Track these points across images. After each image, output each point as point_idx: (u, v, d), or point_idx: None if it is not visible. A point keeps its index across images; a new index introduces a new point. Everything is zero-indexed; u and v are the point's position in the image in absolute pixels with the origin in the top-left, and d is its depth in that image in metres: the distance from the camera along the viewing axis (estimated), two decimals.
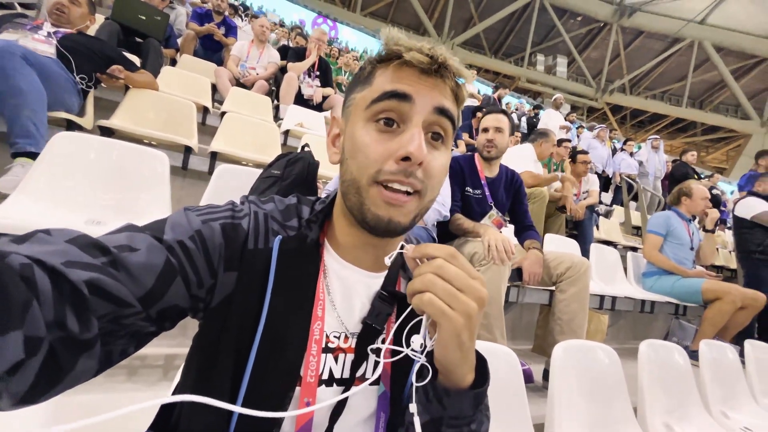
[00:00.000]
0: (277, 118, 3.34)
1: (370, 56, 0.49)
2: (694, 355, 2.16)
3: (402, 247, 0.42)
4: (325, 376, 0.45)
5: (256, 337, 0.42)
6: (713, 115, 13.90)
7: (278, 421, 0.42)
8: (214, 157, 2.11)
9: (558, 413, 1.07)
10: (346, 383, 0.46)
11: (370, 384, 0.43)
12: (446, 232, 1.68)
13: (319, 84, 3.61)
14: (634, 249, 3.76)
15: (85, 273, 0.32)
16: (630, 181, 5.35)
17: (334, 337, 0.47)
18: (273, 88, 3.79)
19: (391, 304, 0.49)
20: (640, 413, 1.32)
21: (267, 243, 0.46)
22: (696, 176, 4.90)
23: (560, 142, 3.27)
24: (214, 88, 3.28)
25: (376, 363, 0.47)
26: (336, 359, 0.46)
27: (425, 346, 0.40)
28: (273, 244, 0.46)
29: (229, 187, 1.55)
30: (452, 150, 0.63)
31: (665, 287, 2.59)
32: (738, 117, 13.68)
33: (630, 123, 15.96)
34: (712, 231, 2.80)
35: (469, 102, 5.55)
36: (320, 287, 0.47)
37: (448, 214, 1.61)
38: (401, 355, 0.40)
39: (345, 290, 0.49)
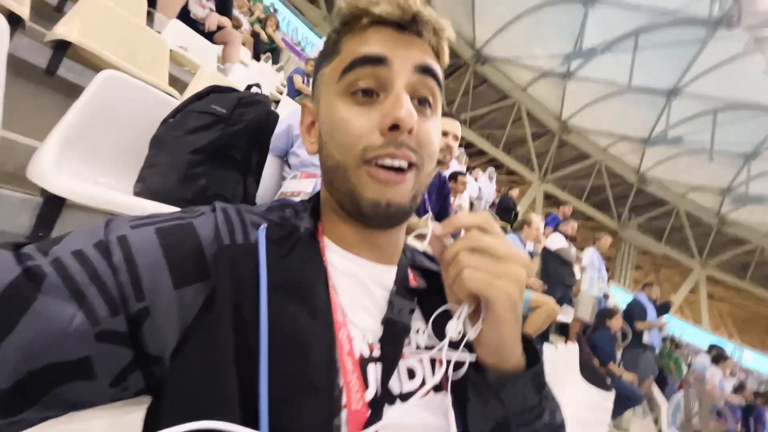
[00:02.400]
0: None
1: (335, 25, 0.42)
2: None
3: (429, 229, 0.37)
4: (369, 397, 0.35)
5: (261, 353, 0.30)
6: (515, 161, 18.27)
7: None
8: (62, 51, 1.37)
9: None
10: (388, 400, 0.36)
11: (435, 392, 0.38)
12: None
13: (214, 8, 2.87)
14: None
15: None
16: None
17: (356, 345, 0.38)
18: None
19: (411, 299, 0.42)
20: None
21: (247, 237, 0.36)
22: (515, 207, 6.28)
23: (456, 175, 3.61)
24: None
25: (440, 362, 0.39)
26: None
27: (464, 333, 0.35)
28: (255, 238, 0.36)
29: (107, 107, 1.00)
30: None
31: None
32: (528, 168, 18.41)
33: (466, 152, 19.36)
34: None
35: None
36: (331, 285, 0.38)
37: None
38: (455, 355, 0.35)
39: (355, 287, 0.40)
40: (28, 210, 0.82)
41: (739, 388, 6.61)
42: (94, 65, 1.49)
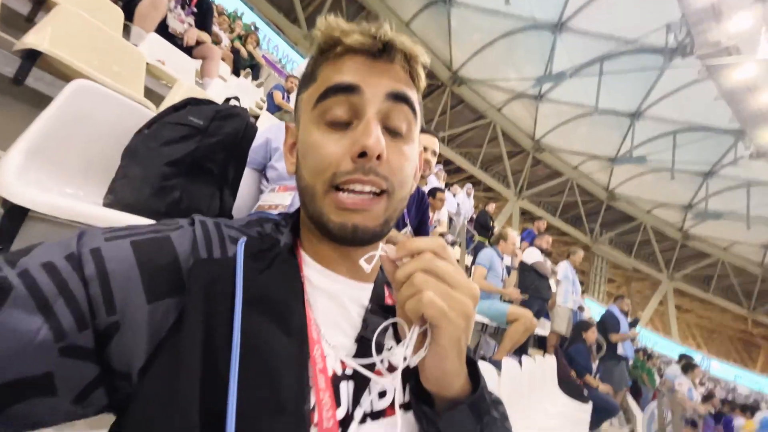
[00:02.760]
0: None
1: (313, 52, 0.44)
2: (497, 364, 2.72)
3: (380, 250, 0.37)
4: (341, 416, 0.35)
5: (231, 372, 0.29)
6: (492, 179, 18.79)
7: None
8: (31, 61, 1.33)
9: None
10: (359, 419, 0.36)
11: (405, 411, 0.39)
12: None
13: (193, 23, 2.86)
14: None
15: None
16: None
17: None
18: (121, 3, 2.76)
19: (385, 317, 0.42)
20: None
21: (225, 251, 0.36)
22: (492, 223, 6.41)
23: (434, 192, 3.67)
24: None
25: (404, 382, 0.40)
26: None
27: (409, 356, 0.34)
28: (234, 252, 0.36)
29: (77, 117, 0.98)
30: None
31: (481, 309, 3.22)
32: (504, 185, 18.95)
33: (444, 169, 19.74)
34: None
35: None
36: (307, 302, 0.38)
37: None
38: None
39: (331, 304, 0.41)
40: None
41: (708, 397, 6.83)
42: (66, 76, 1.45)
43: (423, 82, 0.44)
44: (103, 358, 0.30)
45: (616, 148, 16.74)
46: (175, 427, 0.27)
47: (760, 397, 16.63)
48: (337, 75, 0.39)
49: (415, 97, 0.42)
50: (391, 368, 0.42)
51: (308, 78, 0.43)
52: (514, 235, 3.54)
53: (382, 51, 0.40)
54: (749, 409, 6.07)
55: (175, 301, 0.32)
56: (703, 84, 12.30)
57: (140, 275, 0.31)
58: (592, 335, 3.98)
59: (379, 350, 0.41)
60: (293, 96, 3.60)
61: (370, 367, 0.37)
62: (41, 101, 1.38)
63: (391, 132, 0.40)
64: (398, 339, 0.43)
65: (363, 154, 0.37)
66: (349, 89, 0.38)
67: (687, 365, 5.73)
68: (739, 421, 5.61)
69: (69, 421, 0.30)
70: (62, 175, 0.97)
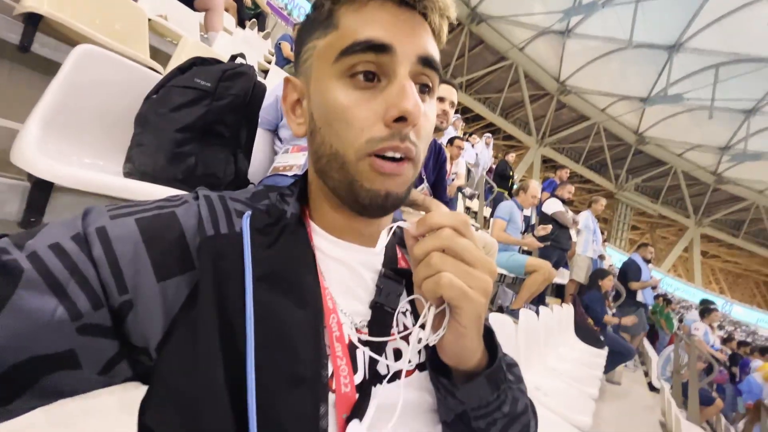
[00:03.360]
0: None
1: None
2: (514, 313, 2.79)
3: (393, 227, 0.36)
4: (358, 380, 0.36)
5: (248, 346, 0.30)
6: (512, 126, 17.99)
7: None
8: (34, 25, 1.30)
9: None
10: (375, 382, 0.37)
11: (420, 371, 0.40)
12: None
13: None
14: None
15: None
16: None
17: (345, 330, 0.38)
18: None
19: (399, 282, 0.42)
20: None
21: (231, 226, 0.35)
22: (512, 173, 6.24)
23: (452, 140, 3.55)
24: None
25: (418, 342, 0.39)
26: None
27: (429, 336, 0.34)
28: (240, 226, 0.35)
29: (86, 84, 0.96)
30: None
31: (500, 261, 3.25)
32: (525, 132, 18.14)
33: (462, 118, 18.97)
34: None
35: None
36: (319, 271, 0.38)
37: None
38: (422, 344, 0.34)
39: (344, 272, 0.41)
40: (17, 195, 0.81)
41: (727, 340, 6.90)
42: (70, 39, 1.42)
43: (445, 38, 0.41)
44: (121, 334, 0.30)
45: (649, 86, 15.50)
46: (204, 389, 0.29)
47: None
48: (365, 27, 0.36)
49: (438, 56, 0.40)
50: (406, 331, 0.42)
51: (323, 22, 0.38)
52: (535, 185, 3.45)
53: (414, 1, 0.37)
54: None
55: (186, 277, 0.32)
56: (756, 8, 10.92)
57: (147, 253, 0.32)
58: (608, 283, 3.99)
59: (395, 316, 0.41)
60: None
61: (386, 335, 0.38)
62: (49, 67, 1.37)
63: (420, 92, 0.38)
64: (413, 305, 0.43)
65: (401, 119, 0.35)
66: (381, 48, 0.35)
67: (704, 309, 5.74)
68: (756, 362, 5.68)
69: (99, 388, 0.32)
70: (80, 145, 0.98)
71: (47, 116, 0.90)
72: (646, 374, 4.92)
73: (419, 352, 0.42)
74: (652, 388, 4.48)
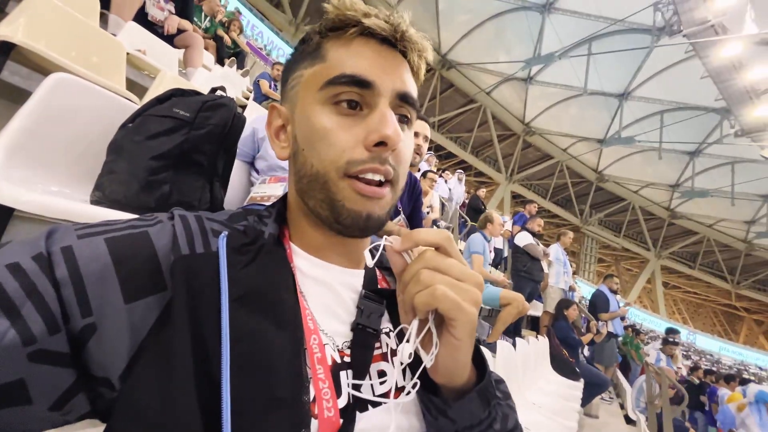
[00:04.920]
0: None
1: (315, 25, 0.42)
2: (491, 346, 2.78)
3: (384, 240, 0.37)
4: (342, 404, 0.35)
5: (223, 369, 0.29)
6: (483, 163, 18.82)
7: None
8: (5, 54, 1.28)
9: None
10: (360, 407, 0.36)
11: (407, 393, 0.37)
12: None
13: (173, 11, 2.77)
14: None
15: None
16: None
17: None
18: None
19: (380, 302, 0.42)
20: None
21: (208, 245, 0.35)
22: (484, 207, 6.45)
23: (425, 173, 3.67)
24: None
25: (408, 367, 0.40)
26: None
27: (415, 355, 0.34)
28: (216, 246, 0.35)
29: (58, 112, 0.95)
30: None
31: None
32: (495, 169, 19.01)
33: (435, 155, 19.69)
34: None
35: None
36: (299, 292, 0.38)
37: None
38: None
39: (324, 292, 0.40)
40: None
41: (694, 369, 7.08)
42: (44, 69, 1.40)
43: (422, 76, 0.44)
44: (79, 363, 0.28)
45: (604, 129, 16.84)
46: (174, 419, 0.27)
47: (742, 368, 17.32)
48: (351, 61, 0.38)
49: (416, 91, 0.42)
50: (391, 352, 0.42)
51: (312, 54, 0.41)
52: (498, 218, 3.57)
53: (397, 41, 0.40)
54: (732, 378, 6.31)
55: (156, 299, 0.31)
56: (690, 63, 12.35)
57: (116, 274, 0.30)
58: (573, 312, 4.07)
59: (377, 337, 0.41)
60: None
61: (371, 353, 0.38)
62: (20, 96, 1.34)
63: (399, 122, 0.40)
64: (394, 322, 0.43)
65: (380, 144, 0.37)
66: (364, 84, 0.38)
67: (664, 340, 5.97)
68: (723, 391, 5.84)
69: (51, 428, 0.29)
70: (47, 173, 0.94)
71: (13, 143, 0.86)
72: (622, 406, 4.93)
73: (404, 373, 0.41)
74: (628, 420, 4.48)
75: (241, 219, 0.40)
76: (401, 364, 0.33)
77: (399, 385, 0.40)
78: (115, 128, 1.00)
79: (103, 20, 2.41)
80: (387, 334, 0.42)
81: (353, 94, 0.38)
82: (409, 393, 0.39)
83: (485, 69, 15.88)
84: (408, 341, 0.33)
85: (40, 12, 1.50)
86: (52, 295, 0.27)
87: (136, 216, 0.37)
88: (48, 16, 1.54)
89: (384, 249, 0.37)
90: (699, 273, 20.74)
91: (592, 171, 19.13)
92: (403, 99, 0.40)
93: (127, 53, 2.06)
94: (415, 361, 0.35)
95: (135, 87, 2.05)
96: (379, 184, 0.38)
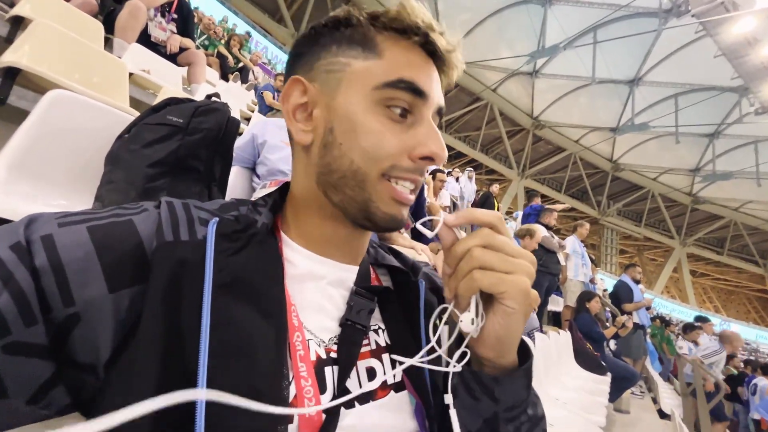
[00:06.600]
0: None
1: (367, 11, 0.40)
2: None
3: (441, 215, 0.37)
4: (326, 402, 0.34)
5: (201, 358, 0.28)
6: (493, 161, 18.63)
7: None
8: (12, 79, 1.33)
9: None
10: (346, 403, 0.35)
11: (396, 392, 0.39)
12: None
13: (175, 30, 2.84)
14: None
15: None
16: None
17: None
18: (101, 18, 2.74)
19: (371, 299, 0.42)
20: None
21: (194, 234, 0.34)
22: (497, 205, 6.36)
23: (434, 173, 3.66)
24: None
25: (396, 364, 0.38)
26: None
27: (477, 323, 0.34)
28: (204, 234, 0.34)
29: (58, 127, 0.97)
30: None
31: None
32: (506, 166, 18.79)
33: None
34: None
35: None
36: (286, 284, 0.37)
37: None
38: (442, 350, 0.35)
39: (313, 287, 0.40)
40: None
41: (730, 358, 6.76)
42: (48, 90, 1.45)
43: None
44: (62, 353, 0.28)
45: (617, 117, 16.46)
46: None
47: None
48: (409, 68, 0.38)
49: None
50: (380, 349, 0.41)
51: (361, 42, 0.39)
52: (541, 233, 3.53)
53: (446, 60, 0.41)
54: None
55: (143, 288, 0.30)
56: (702, 42, 11.99)
57: (99, 262, 0.29)
58: (595, 304, 3.94)
59: (365, 334, 0.40)
60: None
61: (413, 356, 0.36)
62: (25, 118, 1.38)
63: None
64: (385, 319, 0.43)
65: (427, 158, 0.38)
66: (420, 93, 0.38)
67: (685, 327, 5.71)
68: (763, 382, 5.53)
69: (30, 423, 0.28)
70: (48, 187, 0.96)
71: (14, 160, 0.89)
72: (655, 401, 4.74)
73: (394, 371, 0.40)
74: (662, 415, 4.30)
75: (232, 209, 0.39)
76: (471, 324, 0.34)
77: (389, 383, 0.40)
78: (113, 140, 1.02)
79: (108, 44, 2.50)
80: (376, 331, 0.42)
81: (406, 102, 0.38)
82: (389, 391, 0.39)
83: (489, 66, 15.78)
84: (469, 311, 0.34)
85: (44, 37, 1.56)
86: (30, 285, 0.27)
87: (120, 205, 0.36)
88: (52, 41, 1.59)
89: (433, 224, 0.37)
90: (728, 258, 19.89)
91: (607, 161, 18.69)
92: (439, 113, 0.41)
93: (131, 73, 2.12)
94: (455, 344, 0.36)
95: (140, 105, 2.10)
96: (410, 191, 0.39)
